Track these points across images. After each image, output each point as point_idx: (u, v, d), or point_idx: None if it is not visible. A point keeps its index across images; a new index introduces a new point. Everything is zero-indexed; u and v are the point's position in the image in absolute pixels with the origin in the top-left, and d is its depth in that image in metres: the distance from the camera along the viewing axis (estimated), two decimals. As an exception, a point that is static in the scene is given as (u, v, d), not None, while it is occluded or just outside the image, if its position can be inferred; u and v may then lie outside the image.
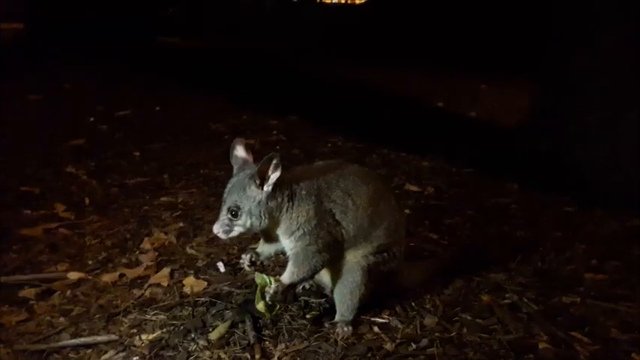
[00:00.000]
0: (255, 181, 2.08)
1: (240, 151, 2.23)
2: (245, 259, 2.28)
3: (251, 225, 2.12)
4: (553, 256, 2.96)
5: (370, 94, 7.37)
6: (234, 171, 2.20)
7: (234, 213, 2.09)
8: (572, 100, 4.21)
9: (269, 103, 6.31)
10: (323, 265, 2.24)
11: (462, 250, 3.01)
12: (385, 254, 2.32)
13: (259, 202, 2.10)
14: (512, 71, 7.77)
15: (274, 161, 2.05)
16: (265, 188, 2.10)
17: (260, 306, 2.15)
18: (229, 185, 2.15)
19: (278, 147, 4.93)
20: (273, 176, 2.08)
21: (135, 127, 5.30)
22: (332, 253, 2.22)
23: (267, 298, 2.15)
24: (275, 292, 2.16)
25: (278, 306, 2.21)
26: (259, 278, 2.18)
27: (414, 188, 3.97)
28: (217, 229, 2.12)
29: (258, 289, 2.16)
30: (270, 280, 2.16)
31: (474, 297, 2.55)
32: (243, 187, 2.10)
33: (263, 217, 2.11)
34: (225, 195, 2.14)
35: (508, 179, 4.17)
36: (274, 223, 2.15)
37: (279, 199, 2.12)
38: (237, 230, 2.13)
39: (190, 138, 5.01)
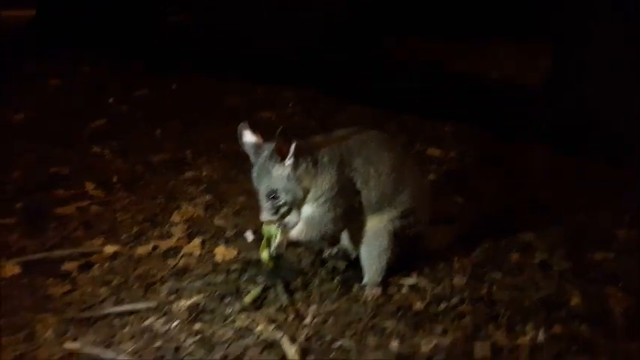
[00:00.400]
0: (275, 160, 2.12)
1: (248, 137, 2.26)
2: (249, 232, 2.42)
3: (292, 199, 2.16)
4: (583, 215, 2.95)
5: (386, 59, 7.29)
6: (251, 157, 2.24)
7: (273, 196, 2.15)
8: (595, 56, 4.13)
9: (283, 75, 6.30)
10: (333, 234, 2.32)
11: (488, 212, 3.02)
12: (411, 218, 2.35)
13: (288, 176, 2.13)
14: (533, 29, 7.62)
15: (285, 134, 2.08)
16: (287, 162, 2.13)
17: (264, 255, 2.24)
18: (254, 174, 2.20)
19: (295, 118, 4.95)
20: (290, 148, 2.11)
21: (153, 106, 5.33)
22: (346, 223, 2.28)
23: (271, 249, 2.24)
24: (279, 245, 2.23)
25: (280, 259, 2.28)
26: (266, 229, 2.26)
27: (436, 153, 3.97)
28: (265, 216, 2.18)
29: (265, 238, 2.26)
30: (276, 234, 2.23)
31: (503, 256, 2.57)
32: (268, 171, 2.14)
33: (298, 188, 2.15)
34: (255, 184, 2.19)
35: (533, 140, 4.14)
36: (306, 191, 2.19)
37: (304, 166, 2.16)
38: (282, 210, 2.18)
39: (208, 114, 5.03)
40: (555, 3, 4.54)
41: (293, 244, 2.36)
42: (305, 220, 2.26)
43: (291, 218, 2.34)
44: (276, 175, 2.14)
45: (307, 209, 2.25)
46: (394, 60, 7.23)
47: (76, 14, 9.04)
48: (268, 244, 2.25)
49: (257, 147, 2.23)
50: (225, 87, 6.03)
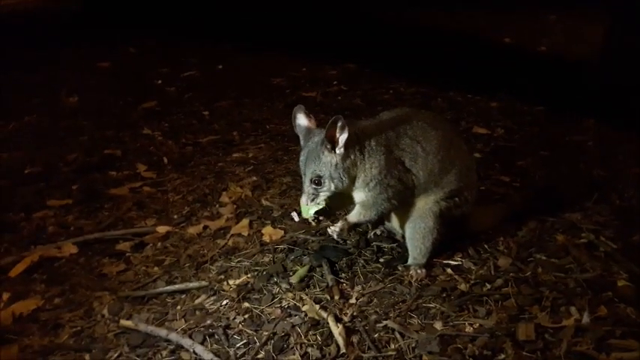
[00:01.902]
0: (326, 147, 2.14)
1: (302, 120, 2.27)
2: (295, 213, 2.46)
3: (335, 187, 2.19)
4: (632, 194, 2.88)
5: (431, 35, 7.14)
6: (301, 140, 2.25)
7: (317, 181, 2.17)
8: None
9: (327, 53, 6.28)
10: (389, 211, 2.34)
11: (534, 191, 2.97)
12: (457, 199, 2.35)
13: (336, 165, 2.16)
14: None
15: (339, 123, 2.08)
16: (338, 151, 2.15)
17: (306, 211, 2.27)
18: (302, 157, 2.20)
19: (339, 97, 4.95)
20: (342, 138, 2.12)
21: (201, 87, 5.44)
22: (400, 200, 2.28)
23: (334, 235, 2.32)
24: (341, 230, 2.28)
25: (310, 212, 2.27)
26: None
27: (482, 131, 3.92)
28: (305, 199, 2.21)
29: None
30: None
31: (549, 237, 2.54)
32: (317, 156, 2.16)
33: (343, 178, 2.18)
34: (302, 167, 2.20)
35: (582, 115, 4.03)
36: (352, 179, 2.21)
37: (352, 157, 2.18)
38: (322, 195, 2.21)
39: (253, 94, 5.11)
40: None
41: (353, 227, 2.40)
42: (360, 204, 2.29)
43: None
44: (324, 162, 2.16)
45: (360, 194, 2.27)
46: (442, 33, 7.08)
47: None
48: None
49: (308, 131, 2.24)
50: (269, 66, 6.08)
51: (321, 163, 2.16)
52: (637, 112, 3.76)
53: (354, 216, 2.31)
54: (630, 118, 3.70)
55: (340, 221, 2.30)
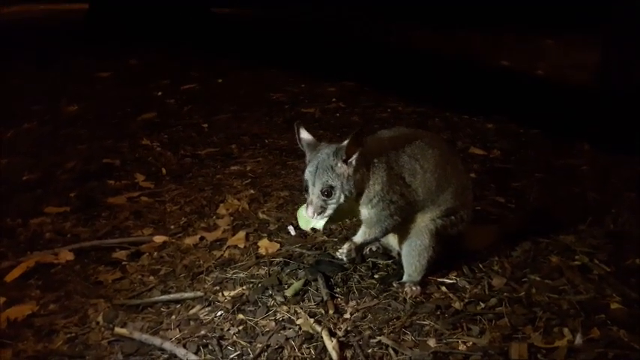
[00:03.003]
0: (341, 158, 2.14)
1: (305, 134, 2.28)
2: (292, 227, 2.44)
3: (344, 200, 2.18)
4: (626, 218, 2.90)
5: (429, 56, 7.24)
6: (308, 154, 2.24)
7: (328, 192, 2.15)
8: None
9: (326, 71, 6.35)
10: (394, 228, 2.33)
11: (529, 213, 2.99)
12: (452, 217, 2.38)
13: (348, 177, 2.16)
14: (580, 24, 7.42)
15: (361, 137, 2.11)
16: (353, 162, 2.15)
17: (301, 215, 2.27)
18: (311, 168, 2.17)
19: (338, 114, 5.00)
20: (358, 150, 2.14)
21: (201, 100, 5.48)
22: (403, 216, 2.30)
23: (344, 258, 2.33)
24: (349, 251, 2.29)
25: (313, 224, 2.25)
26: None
27: (479, 151, 3.96)
28: (312, 212, 2.17)
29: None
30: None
31: (543, 259, 2.56)
32: (330, 167, 2.14)
33: (353, 190, 2.17)
34: (311, 178, 2.16)
35: (578, 139, 4.07)
36: (359, 193, 2.21)
37: (361, 171, 2.19)
38: (330, 208, 2.18)
39: (253, 109, 5.14)
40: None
41: (361, 247, 2.40)
42: (364, 222, 2.31)
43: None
44: (338, 173, 2.15)
45: (364, 211, 2.28)
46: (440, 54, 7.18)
47: (127, 9, 9.33)
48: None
49: (315, 144, 2.24)
50: (269, 81, 6.14)
51: (335, 174, 2.15)
52: (631, 136, 3.82)
53: (359, 236, 2.32)
54: (624, 142, 3.75)
55: (346, 243, 2.31)
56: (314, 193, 2.17)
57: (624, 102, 4.07)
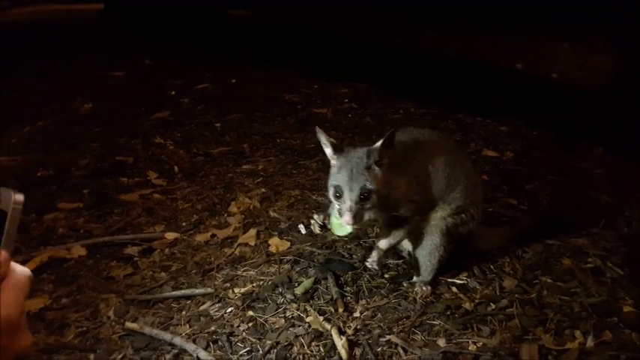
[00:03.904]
0: (375, 160, 2.08)
1: (325, 137, 2.17)
2: (317, 220, 2.37)
3: (379, 201, 2.10)
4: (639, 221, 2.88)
5: (444, 57, 7.22)
6: (335, 158, 2.14)
7: (367, 196, 2.06)
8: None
9: (339, 72, 6.35)
10: (413, 228, 2.32)
11: (542, 215, 2.97)
12: (463, 215, 2.37)
13: (381, 179, 2.10)
14: (595, 27, 7.36)
15: (393, 138, 2.07)
16: (383, 165, 2.11)
17: (334, 223, 2.25)
18: (346, 173, 2.07)
19: (350, 115, 5.00)
20: (389, 153, 2.11)
21: (214, 99, 5.50)
22: (422, 215, 2.30)
23: (375, 267, 2.32)
24: (379, 259, 2.29)
25: (350, 229, 2.20)
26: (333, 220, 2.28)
27: (491, 153, 3.94)
28: (351, 218, 2.05)
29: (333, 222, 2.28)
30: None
31: (555, 261, 2.55)
32: (366, 169, 2.07)
33: (385, 193, 2.12)
34: (347, 184, 2.05)
35: (592, 142, 4.04)
36: (387, 196, 2.15)
37: (387, 172, 2.15)
38: (368, 214, 2.10)
39: (265, 108, 5.16)
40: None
41: (387, 253, 2.36)
42: (385, 226, 2.28)
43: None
44: (373, 175, 2.07)
45: (386, 215, 2.23)
46: (454, 57, 7.16)
47: (142, 9, 9.42)
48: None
49: (341, 147, 2.14)
50: (282, 82, 6.15)
51: (372, 177, 2.07)
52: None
53: (384, 242, 2.31)
54: (638, 145, 3.71)
55: (374, 251, 2.30)
56: (351, 199, 2.05)
57: (638, 105, 4.03)
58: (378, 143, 2.08)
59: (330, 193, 2.12)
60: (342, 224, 2.15)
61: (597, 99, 4.74)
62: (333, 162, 2.16)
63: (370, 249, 2.66)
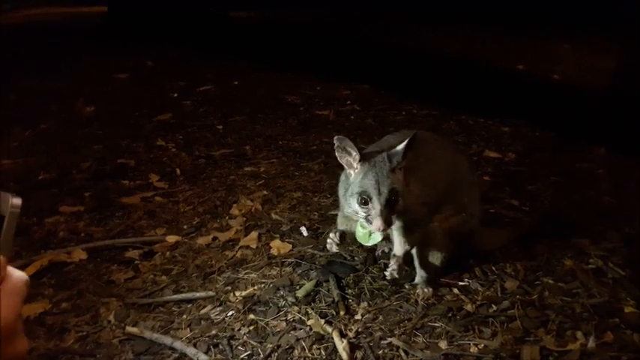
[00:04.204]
0: (397, 163, 2.06)
1: (351, 146, 2.08)
2: (334, 239, 2.32)
3: (403, 203, 2.08)
4: (642, 221, 2.87)
5: (445, 58, 7.21)
6: (356, 163, 2.09)
7: (394, 199, 2.03)
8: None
9: (342, 74, 6.35)
10: (424, 230, 2.30)
11: (544, 216, 2.97)
12: (463, 214, 2.38)
13: (403, 183, 2.09)
14: (597, 28, 7.35)
15: (415, 142, 2.06)
16: (404, 168, 2.09)
17: (359, 234, 2.18)
18: (372, 177, 2.03)
19: (352, 117, 5.00)
20: (409, 156, 2.09)
21: (216, 102, 5.51)
22: (430, 216, 2.29)
23: (395, 275, 2.29)
24: (399, 268, 2.27)
25: (379, 238, 2.16)
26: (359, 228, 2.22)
27: (493, 154, 3.93)
28: (381, 223, 2.00)
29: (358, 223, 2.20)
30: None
31: (557, 262, 2.54)
32: (392, 172, 2.05)
33: (407, 197, 2.10)
34: (375, 188, 2.01)
35: (593, 143, 4.03)
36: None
37: (405, 176, 2.13)
38: (395, 218, 2.08)
39: (267, 110, 5.16)
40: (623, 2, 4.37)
41: (405, 259, 2.33)
42: (397, 232, 2.26)
43: (348, 226, 2.36)
44: (399, 178, 2.06)
45: (398, 221, 2.20)
46: (457, 58, 7.15)
47: (145, 11, 9.44)
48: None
49: (359, 153, 2.09)
50: (284, 84, 6.16)
51: (397, 180, 2.05)
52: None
53: (399, 249, 2.30)
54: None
55: (392, 261, 2.29)
56: (380, 203, 2.01)
57: (639, 105, 4.01)
58: (400, 147, 2.06)
59: (354, 200, 2.06)
60: (368, 233, 2.12)
61: (598, 99, 4.73)
62: (356, 169, 2.11)
63: (372, 251, 2.68)
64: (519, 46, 7.98)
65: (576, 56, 7.38)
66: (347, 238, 2.36)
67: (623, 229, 2.81)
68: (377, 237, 2.15)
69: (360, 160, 2.08)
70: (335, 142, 2.07)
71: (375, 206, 2.02)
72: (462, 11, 9.56)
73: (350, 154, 2.09)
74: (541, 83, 6.06)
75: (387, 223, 2.02)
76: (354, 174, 2.11)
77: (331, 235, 2.35)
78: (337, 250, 2.42)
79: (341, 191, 2.26)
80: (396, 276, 2.31)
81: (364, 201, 2.04)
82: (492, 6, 9.15)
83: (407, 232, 2.26)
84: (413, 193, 2.16)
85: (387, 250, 2.68)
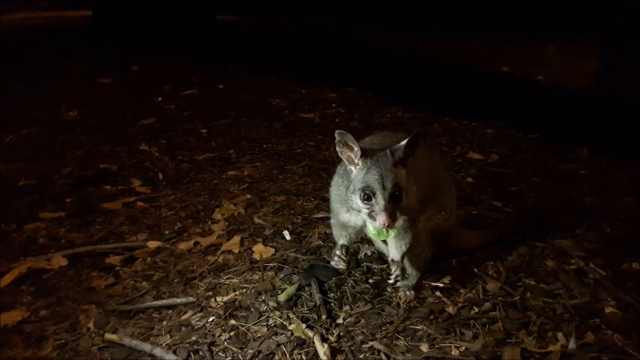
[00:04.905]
0: (400, 158, 2.04)
1: (352, 141, 2.06)
2: (340, 257, 2.31)
3: (405, 200, 2.06)
4: (623, 223, 2.89)
5: (431, 61, 7.24)
6: (359, 158, 2.06)
7: (398, 195, 2.01)
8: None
9: (327, 78, 6.35)
10: (416, 228, 2.28)
11: (526, 216, 2.97)
12: (443, 212, 2.39)
13: (406, 179, 2.07)
14: (582, 30, 7.41)
15: (419, 138, 2.04)
16: (407, 165, 2.07)
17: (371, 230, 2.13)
18: (375, 172, 2.01)
19: (337, 120, 4.99)
20: (413, 153, 2.07)
21: (200, 106, 5.48)
22: (418, 215, 2.27)
23: (396, 280, 2.28)
24: (402, 271, 2.27)
25: (389, 233, 2.11)
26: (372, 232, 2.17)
27: (477, 156, 3.94)
28: (385, 219, 1.98)
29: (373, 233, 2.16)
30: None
31: (538, 263, 2.55)
32: (395, 167, 2.03)
33: (409, 194, 2.08)
34: (379, 182, 1.99)
35: (577, 144, 4.05)
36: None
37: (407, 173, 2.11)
38: (398, 212, 2.04)
39: (252, 114, 5.15)
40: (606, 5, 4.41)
41: (401, 261, 2.29)
42: (395, 234, 2.21)
43: (351, 238, 2.37)
44: (402, 174, 2.04)
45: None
46: (441, 60, 7.18)
47: (130, 15, 9.39)
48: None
49: (366, 151, 2.07)
50: (270, 87, 6.14)
51: (401, 175, 2.04)
52: (630, 142, 3.80)
53: (396, 254, 2.27)
54: (623, 147, 3.73)
55: (393, 266, 2.27)
56: (385, 199, 1.99)
57: (622, 107, 4.05)
58: (403, 143, 2.04)
59: (357, 197, 2.04)
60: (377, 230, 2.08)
61: (582, 101, 4.76)
62: (357, 165, 2.08)
63: (355, 254, 2.67)
64: (505, 48, 8.03)
65: (562, 58, 7.43)
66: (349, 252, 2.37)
67: (605, 229, 2.82)
68: (386, 233, 2.10)
69: (361, 156, 2.06)
70: (336, 136, 2.04)
71: (379, 202, 1.99)
72: (447, 14, 9.60)
73: (352, 149, 2.06)
74: (525, 85, 6.10)
75: (392, 219, 1.99)
76: (356, 170, 2.08)
77: (337, 252, 2.33)
78: (345, 266, 2.38)
79: (337, 190, 2.24)
80: (401, 280, 2.29)
81: (367, 197, 2.01)
82: (478, 9, 9.20)
83: (403, 234, 2.23)
84: (412, 189, 2.15)
85: (369, 253, 2.68)
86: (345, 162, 2.12)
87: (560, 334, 2.05)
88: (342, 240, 2.35)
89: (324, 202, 3.10)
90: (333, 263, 2.36)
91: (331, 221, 2.40)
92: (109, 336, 2.15)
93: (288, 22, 11.44)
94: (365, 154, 2.06)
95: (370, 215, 2.03)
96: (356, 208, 2.08)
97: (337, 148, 2.08)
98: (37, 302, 2.39)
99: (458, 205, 2.65)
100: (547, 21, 8.49)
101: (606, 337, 2.03)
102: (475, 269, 2.51)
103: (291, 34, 9.43)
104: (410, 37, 8.79)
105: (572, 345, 1.98)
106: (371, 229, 2.12)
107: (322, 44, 8.69)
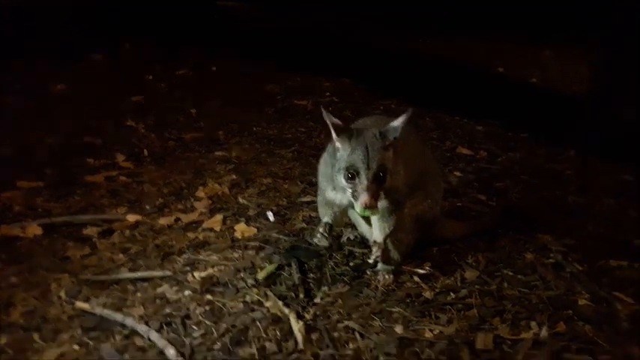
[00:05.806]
0: (387, 139, 2.05)
1: (330, 119, 2.11)
2: (323, 234, 2.31)
3: (390, 180, 2.07)
4: (604, 222, 2.92)
5: (428, 60, 7.23)
6: (345, 138, 2.07)
7: (382, 176, 2.02)
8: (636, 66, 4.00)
9: (324, 68, 6.32)
10: (402, 213, 2.28)
11: (510, 211, 2.97)
12: (429, 200, 2.40)
13: (393, 162, 2.08)
14: (578, 36, 7.43)
15: (409, 119, 2.05)
16: (395, 147, 2.07)
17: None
18: (361, 151, 2.01)
19: (330, 108, 4.96)
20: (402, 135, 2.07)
21: (192, 86, 5.43)
22: (404, 200, 2.27)
23: (376, 261, 2.30)
24: (382, 253, 2.27)
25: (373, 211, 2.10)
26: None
27: (466, 151, 3.95)
28: (367, 198, 1.97)
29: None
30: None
31: (518, 255, 2.56)
32: (381, 147, 2.04)
33: (395, 176, 2.10)
34: (364, 161, 2.00)
35: (565, 145, 4.07)
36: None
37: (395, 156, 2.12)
38: (382, 194, 2.06)
39: (245, 97, 5.11)
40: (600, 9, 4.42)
41: (384, 244, 2.30)
42: (378, 219, 2.24)
43: (336, 218, 2.38)
44: (388, 155, 2.05)
45: (380, 203, 2.15)
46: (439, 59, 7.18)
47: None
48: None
49: (348, 129, 2.10)
50: (265, 73, 6.09)
51: (386, 155, 2.04)
52: (619, 145, 3.81)
53: (378, 235, 2.28)
54: (609, 150, 3.75)
55: (374, 248, 2.28)
56: (368, 179, 1.99)
57: (611, 112, 4.07)
58: (395, 123, 2.05)
59: (341, 176, 2.05)
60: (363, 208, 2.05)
61: (573, 104, 4.78)
62: (342, 144, 2.08)
63: (338, 237, 2.65)
64: (502, 51, 8.02)
65: (557, 62, 7.45)
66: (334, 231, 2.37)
67: (586, 227, 2.84)
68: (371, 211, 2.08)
69: (338, 136, 2.07)
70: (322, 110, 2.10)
71: (362, 181, 2.00)
72: (448, 15, 9.60)
73: (330, 127, 2.09)
74: (518, 86, 6.11)
75: (375, 199, 1.99)
76: (342, 149, 2.08)
77: (320, 229, 2.33)
78: (328, 244, 2.38)
79: (324, 168, 2.26)
80: (380, 261, 2.30)
81: (351, 176, 2.02)
82: (478, 9, 9.20)
83: (388, 217, 2.24)
84: (399, 173, 2.15)
85: (352, 237, 2.67)
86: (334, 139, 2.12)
87: (533, 323, 2.07)
88: (326, 218, 2.35)
89: (312, 187, 3.09)
90: (315, 240, 2.36)
91: (317, 198, 2.41)
92: (79, 304, 2.12)
93: (289, 15, 11.39)
94: (352, 134, 2.06)
95: (353, 195, 2.03)
96: (341, 186, 2.09)
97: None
98: (8, 269, 2.35)
99: (443, 196, 2.65)
100: (545, 26, 8.50)
101: (578, 327, 2.06)
102: (455, 258, 2.52)
103: (292, 23, 9.39)
104: (410, 37, 8.76)
105: (543, 333, 2.00)
106: (357, 207, 2.11)
107: (321, 38, 8.65)
